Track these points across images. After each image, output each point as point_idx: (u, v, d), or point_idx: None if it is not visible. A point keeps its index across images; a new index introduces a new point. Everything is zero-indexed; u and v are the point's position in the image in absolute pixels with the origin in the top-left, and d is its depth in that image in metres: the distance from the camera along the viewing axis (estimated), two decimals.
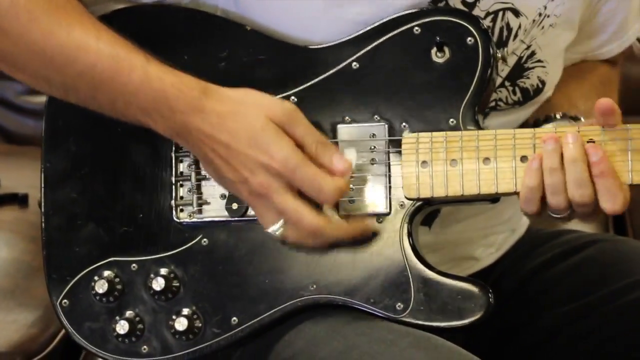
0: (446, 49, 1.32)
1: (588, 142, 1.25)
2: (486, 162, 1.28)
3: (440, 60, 1.32)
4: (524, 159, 1.27)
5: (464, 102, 1.31)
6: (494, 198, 1.32)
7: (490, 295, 1.29)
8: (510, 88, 1.43)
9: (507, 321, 1.54)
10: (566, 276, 1.52)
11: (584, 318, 1.47)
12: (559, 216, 1.28)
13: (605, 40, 1.54)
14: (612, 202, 1.23)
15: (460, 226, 1.51)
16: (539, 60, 1.43)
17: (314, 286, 1.31)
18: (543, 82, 1.45)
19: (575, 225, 2.08)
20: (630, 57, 2.28)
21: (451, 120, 1.31)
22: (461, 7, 1.37)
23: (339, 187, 1.26)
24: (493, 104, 1.43)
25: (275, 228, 1.27)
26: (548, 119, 1.42)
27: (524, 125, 1.47)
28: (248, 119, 1.26)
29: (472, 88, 1.31)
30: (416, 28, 1.32)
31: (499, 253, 1.58)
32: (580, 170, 1.23)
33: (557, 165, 1.24)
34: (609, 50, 1.56)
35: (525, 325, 1.53)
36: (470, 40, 1.31)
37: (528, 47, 1.42)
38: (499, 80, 1.42)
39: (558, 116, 1.41)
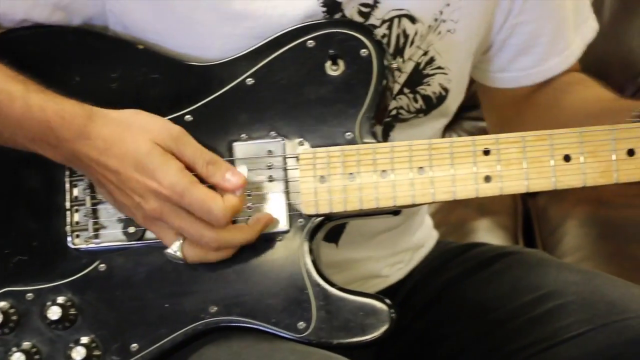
0: (340, 62, 1.30)
1: (483, 151, 1.25)
2: (384, 175, 1.26)
3: (335, 73, 1.30)
4: (421, 170, 1.26)
5: (360, 115, 1.29)
6: (395, 210, 1.30)
7: (392, 310, 1.27)
8: (411, 95, 1.42)
9: (419, 336, 1.52)
10: (476, 290, 1.50)
11: (494, 332, 1.45)
12: None
13: (542, 53, 1.49)
14: None
15: (369, 244, 1.49)
16: (440, 67, 1.42)
17: (215, 308, 1.28)
18: (446, 90, 1.44)
19: (484, 237, 2.09)
20: None
21: (348, 133, 1.29)
22: (357, 17, 1.35)
23: (230, 206, 1.24)
24: (394, 112, 1.42)
25: (175, 248, 1.26)
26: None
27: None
28: (134, 143, 1.23)
29: (367, 100, 1.29)
30: (310, 41, 1.31)
31: (407, 268, 1.57)
32: None
33: None
34: (552, 67, 1.51)
35: (437, 339, 1.51)
36: (364, 52, 1.29)
37: (425, 52, 1.40)
38: (396, 87, 1.40)
39: None
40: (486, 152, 1.25)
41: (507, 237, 2.10)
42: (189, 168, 1.25)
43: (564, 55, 1.51)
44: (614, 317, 1.37)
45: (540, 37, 1.48)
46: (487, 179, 1.24)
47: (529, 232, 2.19)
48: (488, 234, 2.11)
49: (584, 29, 1.53)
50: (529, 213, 2.24)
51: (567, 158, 1.22)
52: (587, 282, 1.44)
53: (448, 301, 1.52)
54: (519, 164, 1.23)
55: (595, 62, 2.31)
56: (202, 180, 1.25)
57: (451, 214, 2.13)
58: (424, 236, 1.61)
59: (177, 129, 1.26)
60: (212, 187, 1.25)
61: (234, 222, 1.27)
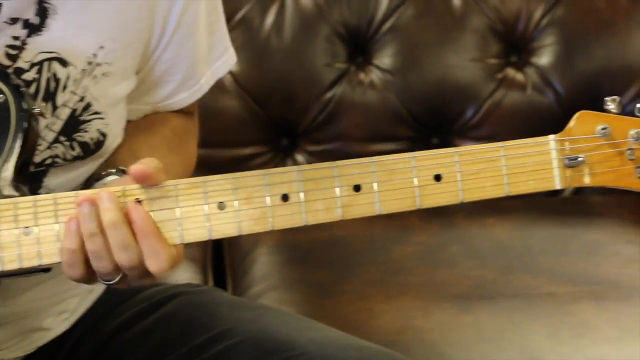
0: None
1: (136, 200, 1.17)
2: (27, 232, 1.16)
3: None
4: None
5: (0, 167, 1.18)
6: (45, 268, 1.20)
7: None
8: (67, 143, 1.33)
9: None
10: (146, 336, 1.43)
11: None
12: (111, 282, 1.19)
13: (173, 89, 1.45)
14: (156, 261, 1.17)
15: (27, 295, 1.38)
16: (97, 112, 1.33)
17: None
18: (104, 135, 1.36)
19: (166, 276, 2.01)
20: (222, 90, 2.24)
21: None
22: (4, 59, 1.25)
23: None
24: (50, 161, 1.32)
25: None
26: (99, 178, 1.32)
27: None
28: None
29: (5, 149, 1.19)
30: None
31: (73, 318, 1.46)
32: (123, 233, 1.15)
33: (96, 230, 1.15)
34: (180, 100, 1.46)
35: None
36: (0, 98, 1.19)
37: (82, 98, 1.31)
38: (52, 135, 1.31)
39: (105, 174, 1.31)
40: (138, 202, 1.17)
41: (195, 269, 2.03)
42: None
43: (193, 90, 1.47)
44: (282, 355, 1.34)
45: (175, 74, 1.44)
46: None
47: (221, 261, 2.13)
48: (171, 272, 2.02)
49: (218, 65, 1.49)
50: (221, 240, 2.19)
51: (221, 206, 1.16)
52: (258, 319, 1.41)
53: (116, 349, 1.43)
54: (172, 214, 1.16)
55: (279, 82, 2.32)
56: None
57: None
58: None
59: None
60: None
61: None
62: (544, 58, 2.36)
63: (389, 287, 1.90)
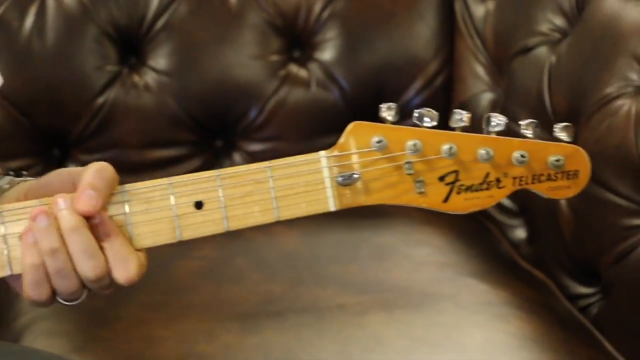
0: None
1: None
2: None
3: None
4: None
5: None
6: None
7: None
8: None
9: None
10: None
11: None
12: (74, 302, 1.11)
13: None
14: (125, 269, 1.07)
15: None
16: None
17: None
18: None
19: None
20: None
21: None
22: None
23: None
24: None
25: None
26: None
27: None
28: None
29: None
30: None
31: None
32: (86, 238, 1.04)
33: (57, 244, 1.03)
34: None
35: None
36: None
37: None
38: None
39: None
40: None
41: None
42: None
43: None
44: None
45: None
46: None
47: None
48: None
49: None
50: None
51: None
52: None
53: None
54: None
55: (44, 89, 2.15)
56: None
57: None
58: None
59: None
60: None
61: None
62: (327, 53, 2.28)
63: (170, 310, 1.78)
